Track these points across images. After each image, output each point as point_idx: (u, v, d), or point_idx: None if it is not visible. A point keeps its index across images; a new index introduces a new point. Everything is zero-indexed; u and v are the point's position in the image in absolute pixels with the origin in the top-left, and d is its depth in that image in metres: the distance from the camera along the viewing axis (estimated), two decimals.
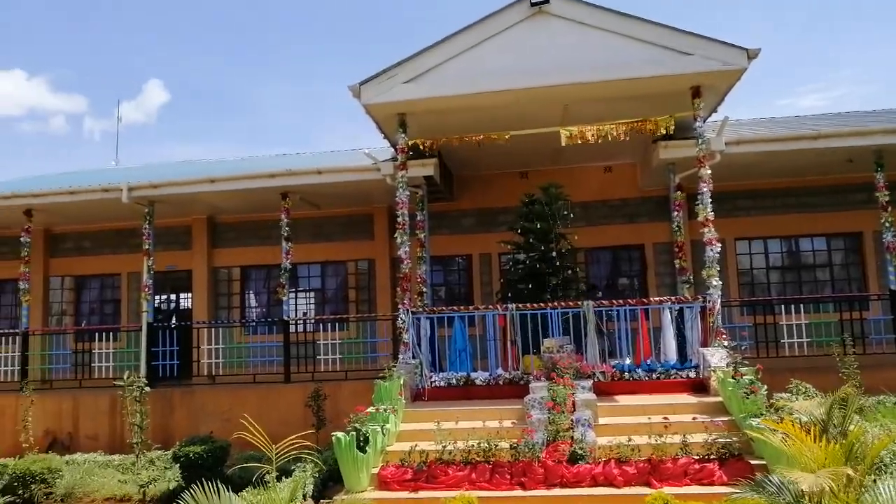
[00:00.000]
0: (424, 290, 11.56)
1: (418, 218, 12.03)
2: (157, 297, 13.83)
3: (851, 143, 11.14)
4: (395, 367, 9.35)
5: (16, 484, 9.07)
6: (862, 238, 13.18)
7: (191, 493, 5.12)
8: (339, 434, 7.37)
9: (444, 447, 7.42)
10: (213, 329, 13.00)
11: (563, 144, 10.32)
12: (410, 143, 10.68)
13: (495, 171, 13.81)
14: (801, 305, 11.20)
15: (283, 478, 7.60)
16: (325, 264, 14.84)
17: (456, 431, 7.73)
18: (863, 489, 4.59)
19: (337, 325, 12.50)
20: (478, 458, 7.29)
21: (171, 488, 8.68)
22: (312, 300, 15.03)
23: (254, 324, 14.29)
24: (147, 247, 12.75)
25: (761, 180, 13.17)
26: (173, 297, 15.99)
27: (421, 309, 10.59)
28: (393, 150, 11.73)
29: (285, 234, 12.57)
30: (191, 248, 14.95)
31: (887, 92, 51.06)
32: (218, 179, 12.48)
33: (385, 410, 8.13)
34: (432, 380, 9.68)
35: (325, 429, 9.70)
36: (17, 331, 13.19)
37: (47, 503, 8.97)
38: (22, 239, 13.29)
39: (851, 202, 13.11)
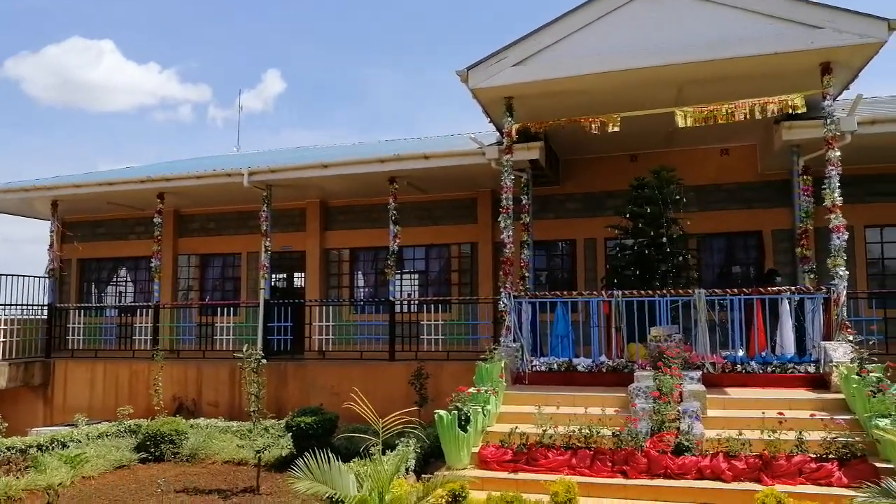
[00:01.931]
0: (527, 274, 11.53)
1: (523, 202, 11.98)
2: (273, 275, 14.63)
3: None
4: (496, 349, 9.42)
5: (148, 442, 9.99)
6: None
7: (304, 460, 5.43)
8: (442, 412, 7.55)
9: (545, 431, 7.43)
10: (323, 307, 13.60)
11: (680, 126, 9.91)
12: (517, 126, 10.63)
13: (603, 154, 13.48)
14: None
15: (387, 451, 7.87)
16: (429, 247, 15.11)
17: (557, 416, 7.71)
18: None
19: (440, 306, 12.74)
20: (578, 444, 7.25)
21: (283, 455, 9.23)
22: (417, 282, 15.37)
23: (361, 303, 14.86)
24: (265, 228, 13.50)
25: None
26: (288, 276, 16.84)
27: (523, 293, 10.58)
28: (498, 134, 11.72)
29: (393, 217, 12.89)
30: (304, 230, 15.67)
31: None
32: (330, 164, 12.98)
33: (486, 392, 8.23)
34: (533, 364, 9.67)
35: (427, 407, 9.95)
36: (150, 304, 14.39)
37: (175, 461, 9.81)
38: (155, 220, 14.44)
39: None
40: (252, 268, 15.74)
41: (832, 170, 9.06)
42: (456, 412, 7.53)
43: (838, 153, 9.11)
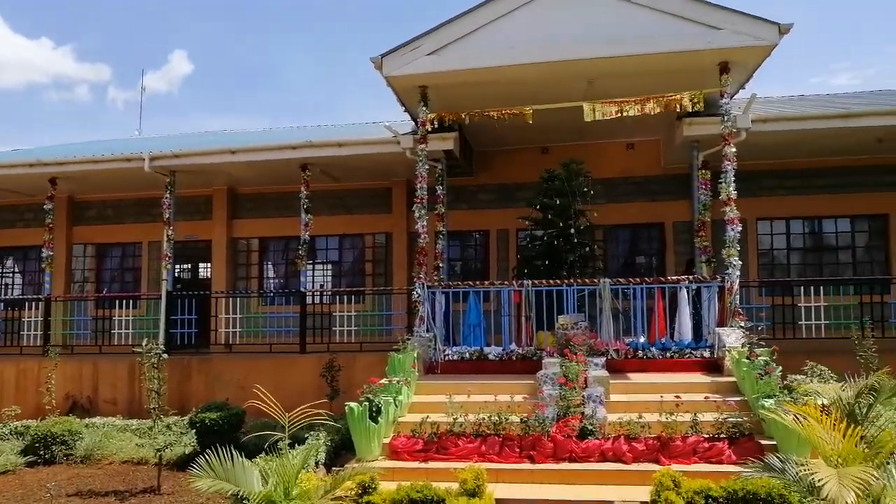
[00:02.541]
0: (441, 264, 11.57)
1: (437, 192, 12.00)
2: (176, 266, 14.00)
3: (882, 123, 10.85)
4: (409, 340, 9.42)
5: (37, 444, 9.33)
6: (887, 220, 12.89)
7: (205, 458, 5.22)
8: (353, 404, 7.47)
9: (456, 419, 7.49)
10: (230, 299, 13.15)
11: (588, 120, 10.17)
12: (431, 116, 10.61)
13: (516, 146, 13.68)
14: (821, 287, 11.02)
15: (297, 445, 7.71)
16: (342, 237, 14.90)
17: (467, 404, 7.79)
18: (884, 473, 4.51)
19: (353, 297, 12.57)
20: (488, 431, 7.36)
21: (186, 453, 8.86)
22: (329, 272, 15.14)
23: (271, 294, 14.47)
24: (167, 216, 12.89)
25: (786, 160, 12.88)
26: (193, 266, 16.17)
27: (437, 283, 10.61)
28: (413, 123, 11.67)
29: (304, 206, 12.61)
30: (211, 219, 15.08)
31: None
32: (239, 150, 12.53)
33: (398, 382, 8.21)
34: (446, 353, 9.73)
35: (339, 399, 9.81)
36: (40, 297, 13.45)
37: (68, 464, 9.22)
38: (45, 206, 13.49)
39: (878, 184, 12.81)
40: (154, 258, 15.02)
41: (728, 165, 9.57)
42: (367, 404, 7.47)
43: (734, 149, 9.63)
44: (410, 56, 10.00)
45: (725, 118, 9.66)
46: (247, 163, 12.67)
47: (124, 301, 13.31)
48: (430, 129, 10.66)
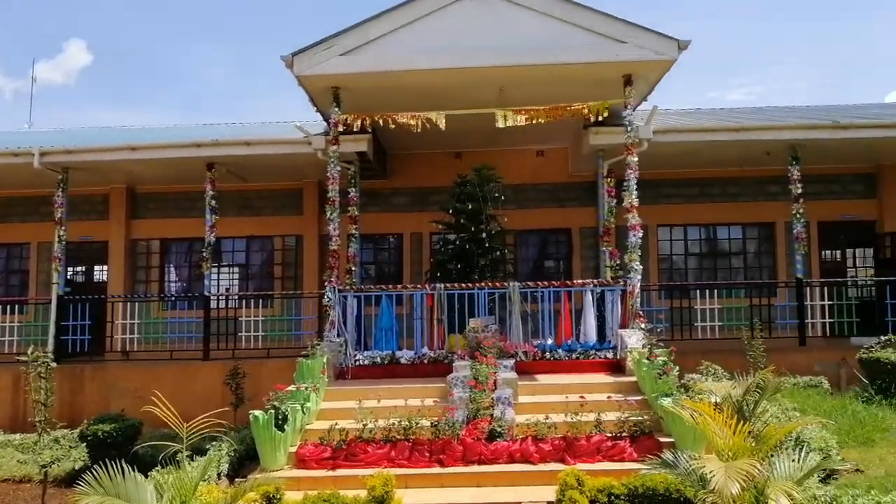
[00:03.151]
0: (353, 268, 11.41)
1: (350, 194, 11.84)
2: (69, 268, 13.15)
3: (769, 137, 11.67)
4: (319, 345, 9.23)
5: None
6: (774, 228, 13.86)
7: (93, 473, 4.89)
8: (257, 412, 7.23)
9: (365, 425, 7.39)
10: (128, 303, 12.49)
11: (500, 126, 10.32)
12: (344, 118, 10.46)
13: (430, 150, 13.73)
14: (715, 291, 11.70)
15: (198, 456, 7.38)
16: (250, 239, 14.46)
17: (378, 410, 7.71)
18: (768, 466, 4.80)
19: (261, 301, 12.21)
20: (398, 437, 7.30)
21: (75, 468, 8.28)
22: (236, 276, 14.65)
23: (173, 299, 13.80)
24: (59, 216, 12.08)
25: (685, 169, 13.61)
26: (87, 269, 15.22)
27: (348, 287, 10.47)
28: (326, 124, 11.49)
29: (210, 206, 12.16)
30: (108, 219, 14.27)
31: (808, 89, 53.69)
32: (139, 147, 11.94)
33: (306, 388, 8.02)
34: (357, 358, 9.60)
35: (244, 407, 9.48)
36: None
37: None
38: None
39: (767, 193, 13.75)
40: (44, 259, 14.02)
41: (631, 173, 9.97)
42: (273, 411, 7.25)
43: (636, 158, 10.04)
44: (323, 56, 9.83)
45: (628, 129, 10.07)
46: (148, 160, 12.09)
47: (9, 306, 12.39)
48: (342, 131, 10.52)
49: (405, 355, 9.61)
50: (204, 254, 12.05)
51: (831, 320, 11.77)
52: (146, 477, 6.43)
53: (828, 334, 11.74)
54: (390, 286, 10.58)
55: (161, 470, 6.41)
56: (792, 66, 55.00)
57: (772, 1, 51.87)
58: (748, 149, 12.18)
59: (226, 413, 9.61)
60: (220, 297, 12.49)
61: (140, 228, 14.41)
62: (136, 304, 12.60)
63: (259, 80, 58.87)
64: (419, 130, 10.42)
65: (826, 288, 11.94)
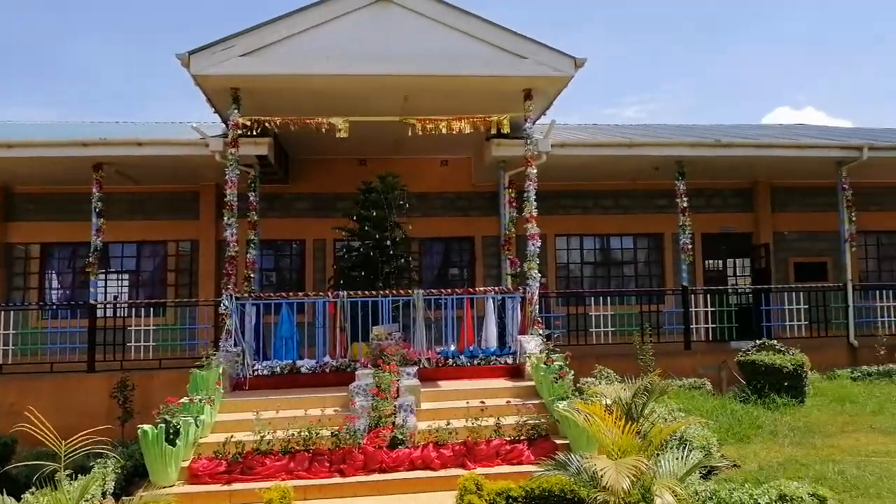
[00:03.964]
0: (252, 274, 11.10)
1: (250, 199, 11.54)
2: None
3: (658, 153, 12.40)
4: (214, 355, 8.91)
5: None
6: (663, 239, 14.71)
7: None
8: (146, 426, 6.85)
9: (263, 437, 7.18)
10: (2, 312, 11.52)
11: (409, 135, 10.36)
12: (244, 120, 10.16)
13: (334, 155, 13.58)
14: (609, 298, 12.26)
15: (81, 475, 6.93)
16: (141, 244, 13.75)
17: (276, 421, 7.52)
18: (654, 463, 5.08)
19: (152, 309, 11.61)
20: (298, 447, 7.14)
21: None
22: (126, 283, 13.86)
23: (54, 307, 12.86)
24: None
25: (582, 182, 14.21)
26: None
27: (247, 294, 10.17)
28: (225, 125, 11.12)
29: (97, 209, 11.48)
30: None
31: (695, 108, 57.39)
32: (17, 145, 11.13)
33: (200, 400, 7.70)
34: (255, 368, 9.33)
35: (133, 421, 9.00)
36: None
37: None
38: None
39: (656, 206, 14.58)
40: None
41: (530, 185, 10.28)
42: (163, 425, 6.90)
43: (535, 170, 10.37)
44: (223, 55, 9.53)
45: (528, 142, 10.39)
46: (28, 159, 11.26)
47: None
48: (242, 133, 10.22)
49: (306, 364, 9.43)
50: (90, 259, 11.35)
51: (713, 326, 12.60)
52: (18, 500, 5.99)
53: (710, 339, 12.55)
54: (291, 293, 10.35)
55: (36, 491, 5.96)
56: (681, 85, 58.68)
57: (662, 25, 55.19)
58: (639, 163, 12.88)
59: (113, 428, 9.12)
60: (108, 306, 11.78)
61: (17, 232, 13.37)
62: (11, 312, 11.65)
63: (160, 81, 56.11)
64: (323, 135, 10.30)
65: (708, 295, 12.77)
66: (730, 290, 14.67)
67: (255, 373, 9.29)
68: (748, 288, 14.84)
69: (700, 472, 6.41)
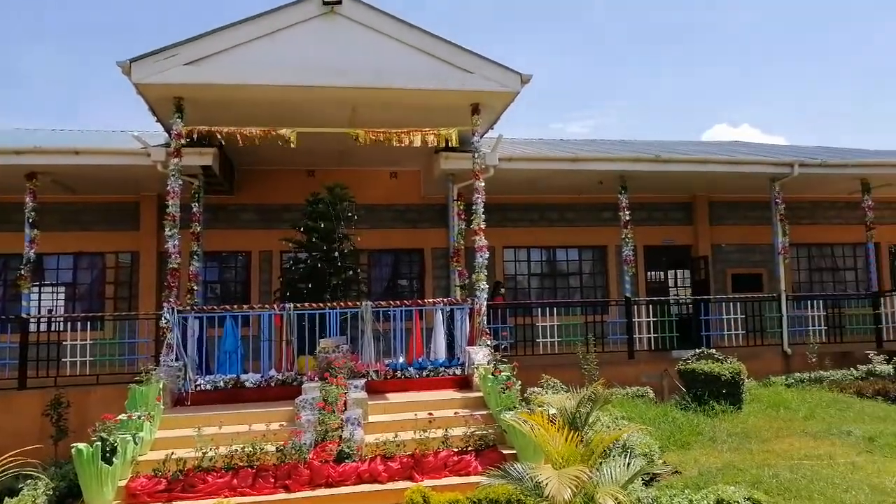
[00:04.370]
0: (195, 287, 10.85)
1: (193, 210, 11.29)
2: None
3: (602, 167, 12.70)
4: (154, 370, 8.65)
5: None
6: (607, 251, 15.06)
7: None
8: (81, 445, 6.59)
9: (205, 454, 7.00)
10: None
11: (358, 146, 10.30)
12: (186, 129, 9.93)
13: (281, 166, 13.43)
14: (555, 309, 12.45)
15: (9, 497, 6.62)
16: (78, 256, 13.26)
17: (219, 436, 7.34)
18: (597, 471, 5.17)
19: (89, 323, 11.18)
20: (241, 464, 6.99)
21: None
22: (61, 295, 13.33)
23: None
24: None
25: (529, 195, 14.43)
26: None
27: (189, 307, 9.93)
28: (168, 135, 10.86)
29: (30, 219, 11.04)
30: None
31: (638, 125, 59.03)
32: None
33: (139, 417, 7.46)
34: (198, 383, 9.10)
35: (68, 440, 8.62)
36: None
37: None
38: None
39: (600, 219, 14.92)
40: None
41: (478, 197, 10.38)
42: (99, 443, 6.65)
43: (483, 183, 10.48)
44: (166, 64, 9.32)
45: (476, 155, 10.50)
46: None
47: None
48: (185, 143, 10.00)
49: (251, 378, 9.25)
50: (22, 271, 10.88)
51: (656, 335, 12.93)
52: None
53: (653, 348, 12.86)
54: (236, 306, 10.15)
55: None
56: (625, 102, 60.31)
57: (607, 45, 56.69)
58: (584, 177, 13.18)
59: (46, 448, 8.74)
60: (41, 320, 11.30)
61: None
62: None
63: (102, 88, 54.34)
64: (269, 145, 10.16)
65: (651, 306, 13.11)
66: (671, 301, 15.10)
67: (198, 387, 9.06)
68: (688, 299, 15.31)
69: (643, 479, 6.56)
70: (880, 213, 15.01)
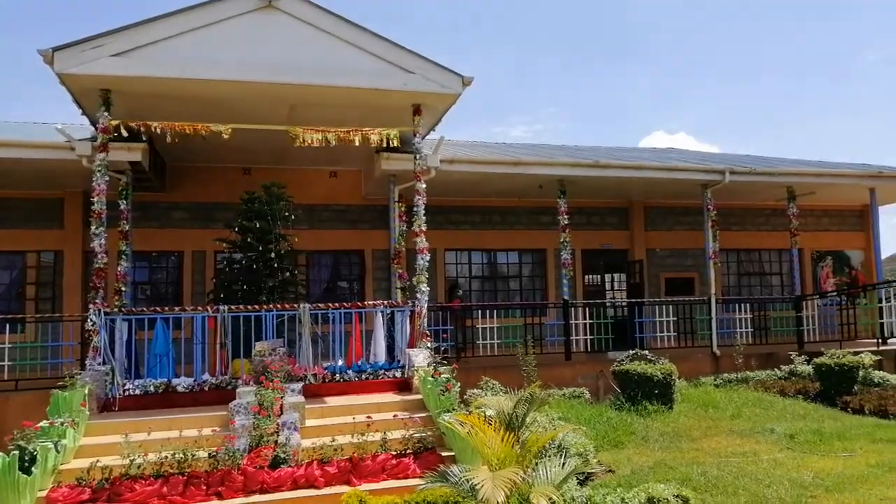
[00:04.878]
0: (124, 288, 10.41)
1: (121, 207, 10.85)
2: None
3: (541, 172, 12.90)
4: (79, 374, 8.25)
5: None
6: (546, 254, 15.29)
7: None
8: None
9: (133, 461, 6.72)
10: None
11: (296, 145, 10.09)
12: (114, 123, 9.52)
13: (215, 164, 13.07)
14: (495, 311, 12.56)
15: None
16: None
17: (149, 443, 7.08)
18: (532, 472, 5.22)
19: (8, 325, 10.59)
20: (171, 471, 6.74)
21: None
22: None
23: None
24: None
25: (471, 198, 14.51)
26: None
27: (117, 309, 9.52)
28: (94, 128, 10.40)
29: None
30: None
31: (579, 130, 60.27)
32: None
33: (62, 424, 7.11)
34: (126, 388, 8.72)
35: None
36: None
37: None
38: None
39: (540, 223, 15.14)
40: None
41: (419, 199, 10.35)
42: (17, 452, 6.29)
43: (424, 185, 10.45)
44: (92, 54, 8.89)
45: (417, 156, 10.47)
46: None
47: None
48: (112, 137, 9.57)
49: (183, 383, 8.94)
50: None
51: (592, 337, 13.20)
52: None
53: (589, 350, 13.13)
54: (167, 308, 9.80)
55: None
56: (566, 107, 61.50)
57: (548, 53, 57.67)
58: (524, 181, 13.34)
59: None
60: None
61: None
62: None
63: (24, 78, 51.64)
64: (203, 142, 9.87)
65: (587, 308, 13.37)
66: (607, 304, 15.43)
67: (126, 392, 8.69)
68: (624, 301, 15.70)
69: (577, 479, 6.66)
70: (804, 221, 15.79)
